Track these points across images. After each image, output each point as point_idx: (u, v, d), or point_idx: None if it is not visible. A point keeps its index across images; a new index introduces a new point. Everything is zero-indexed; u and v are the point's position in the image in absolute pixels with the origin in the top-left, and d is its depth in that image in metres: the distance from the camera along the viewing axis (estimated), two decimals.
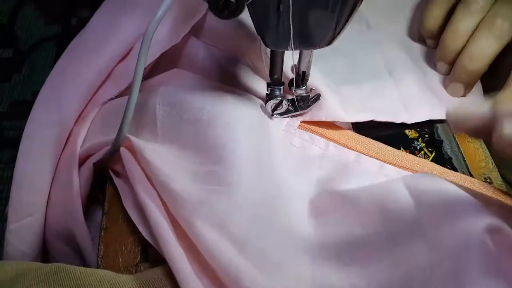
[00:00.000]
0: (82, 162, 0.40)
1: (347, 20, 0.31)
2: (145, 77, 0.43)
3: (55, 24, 0.69)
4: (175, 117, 0.36)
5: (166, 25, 0.39)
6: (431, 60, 0.45)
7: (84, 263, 0.41)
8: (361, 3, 0.29)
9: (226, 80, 0.41)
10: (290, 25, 0.30)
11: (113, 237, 0.36)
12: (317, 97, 0.39)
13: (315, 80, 0.39)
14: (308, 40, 0.32)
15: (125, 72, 0.40)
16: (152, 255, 0.36)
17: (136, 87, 0.32)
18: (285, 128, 0.39)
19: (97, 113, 0.42)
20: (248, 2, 0.26)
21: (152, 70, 0.43)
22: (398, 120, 0.40)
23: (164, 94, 0.37)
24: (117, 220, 0.37)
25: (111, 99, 0.42)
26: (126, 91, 0.41)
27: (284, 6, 0.28)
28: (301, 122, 0.40)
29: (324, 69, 0.41)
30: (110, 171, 0.39)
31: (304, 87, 0.38)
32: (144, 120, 0.38)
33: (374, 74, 0.44)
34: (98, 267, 0.35)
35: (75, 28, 0.46)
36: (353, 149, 0.38)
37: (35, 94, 0.41)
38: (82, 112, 0.42)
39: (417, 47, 0.47)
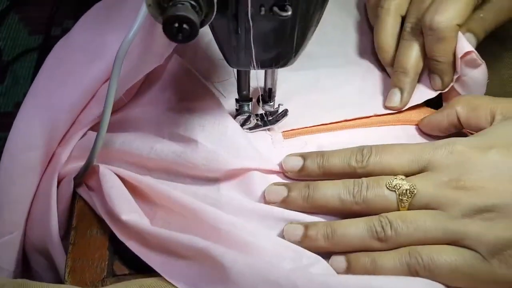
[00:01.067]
0: (63, 177, 0.40)
1: (307, 40, 0.32)
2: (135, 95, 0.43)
3: (40, 35, 0.69)
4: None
5: (148, 47, 0.39)
6: None
7: (59, 277, 0.41)
8: (318, 24, 0.30)
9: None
10: (251, 46, 0.30)
11: (80, 252, 0.36)
12: (284, 112, 0.39)
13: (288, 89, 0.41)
14: (269, 61, 0.32)
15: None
16: (118, 270, 0.36)
17: (108, 107, 0.32)
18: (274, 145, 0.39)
19: (84, 137, 0.42)
20: (202, 28, 0.26)
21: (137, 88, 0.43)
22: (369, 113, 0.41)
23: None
24: (85, 235, 0.37)
25: (94, 119, 0.41)
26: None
27: (242, 29, 0.29)
28: (282, 132, 0.40)
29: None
30: (85, 185, 0.40)
31: (271, 103, 0.39)
32: None
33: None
34: (64, 282, 0.35)
35: (57, 39, 0.47)
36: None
37: (17, 105, 0.41)
38: (66, 133, 0.42)
39: None
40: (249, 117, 0.39)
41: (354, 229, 0.32)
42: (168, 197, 0.35)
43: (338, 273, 0.31)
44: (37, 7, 0.71)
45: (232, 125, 0.37)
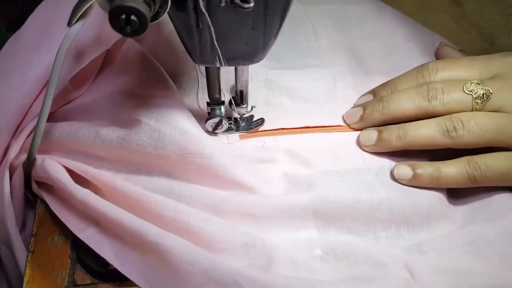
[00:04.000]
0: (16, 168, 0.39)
1: (276, 34, 0.30)
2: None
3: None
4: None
5: (95, 31, 0.37)
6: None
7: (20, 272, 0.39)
8: (284, 19, 0.28)
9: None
10: (214, 42, 0.28)
11: (40, 260, 0.34)
12: (261, 121, 0.38)
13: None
14: (235, 57, 0.30)
15: (58, 81, 0.39)
16: (79, 280, 0.34)
17: (48, 99, 0.32)
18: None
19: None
20: (154, 22, 0.24)
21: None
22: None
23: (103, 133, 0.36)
24: (45, 242, 0.35)
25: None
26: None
27: (203, 23, 0.27)
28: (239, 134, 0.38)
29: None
30: (37, 184, 0.38)
31: (244, 105, 0.37)
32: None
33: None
34: None
35: None
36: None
37: None
38: (19, 125, 0.40)
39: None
40: (221, 121, 0.37)
41: (426, 129, 0.34)
42: (113, 186, 0.33)
43: (403, 180, 0.34)
44: (13, 4, 0.69)
45: (180, 107, 0.35)
